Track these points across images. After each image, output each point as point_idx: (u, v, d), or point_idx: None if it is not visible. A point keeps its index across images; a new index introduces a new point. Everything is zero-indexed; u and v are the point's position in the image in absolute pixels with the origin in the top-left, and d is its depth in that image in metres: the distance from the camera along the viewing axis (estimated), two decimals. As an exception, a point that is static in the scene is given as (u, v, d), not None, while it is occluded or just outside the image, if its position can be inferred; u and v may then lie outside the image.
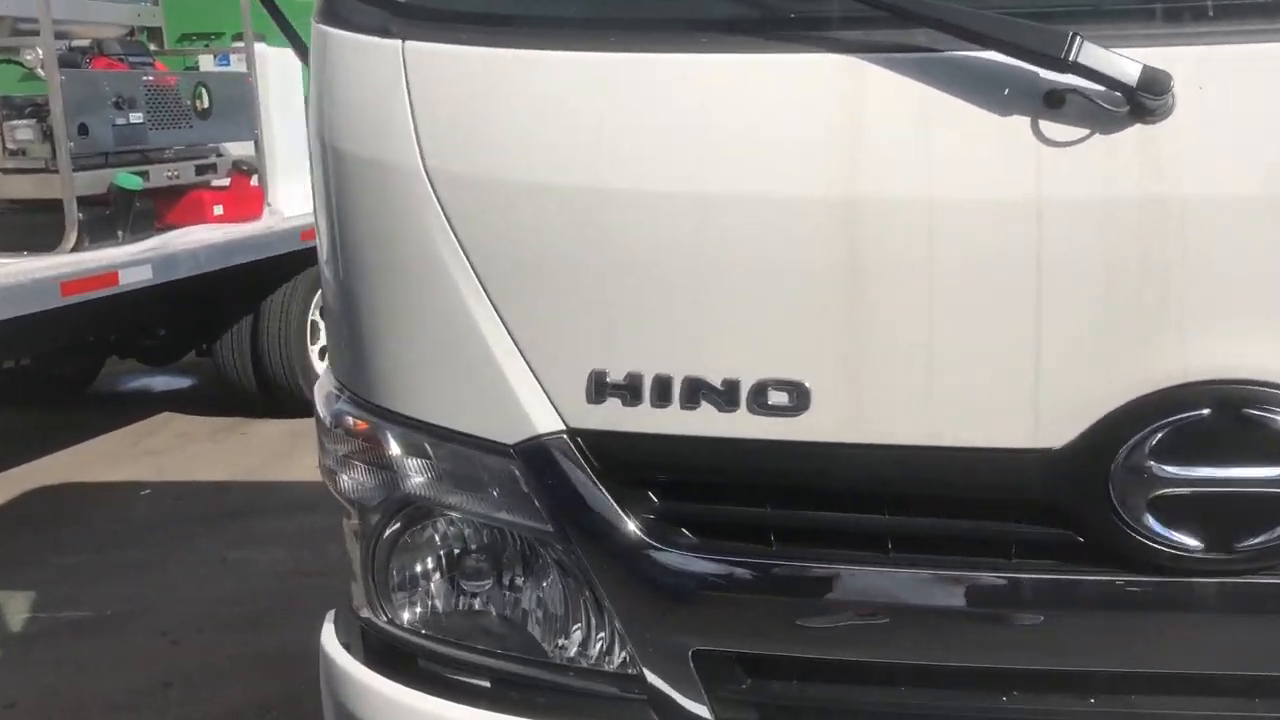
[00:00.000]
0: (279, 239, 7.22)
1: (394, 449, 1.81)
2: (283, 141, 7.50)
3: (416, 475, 1.80)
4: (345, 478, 1.88)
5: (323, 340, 7.98)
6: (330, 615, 2.03)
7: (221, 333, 7.52)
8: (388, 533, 1.85)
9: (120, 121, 6.47)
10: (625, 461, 1.68)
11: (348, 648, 1.93)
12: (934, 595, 1.63)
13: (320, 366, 7.87)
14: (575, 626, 1.79)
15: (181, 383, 8.84)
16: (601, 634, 1.76)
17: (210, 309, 7.42)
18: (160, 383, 8.93)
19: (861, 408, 1.58)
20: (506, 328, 1.68)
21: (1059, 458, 1.54)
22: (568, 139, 1.62)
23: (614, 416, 1.66)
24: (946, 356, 1.54)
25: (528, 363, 1.68)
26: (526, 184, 1.65)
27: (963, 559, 1.62)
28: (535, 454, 1.71)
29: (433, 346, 1.75)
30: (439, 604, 1.87)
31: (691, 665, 1.70)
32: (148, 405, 8.26)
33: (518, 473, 1.72)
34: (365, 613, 1.91)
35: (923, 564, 1.62)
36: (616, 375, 1.64)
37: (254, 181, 7.33)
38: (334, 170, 1.82)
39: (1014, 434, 1.55)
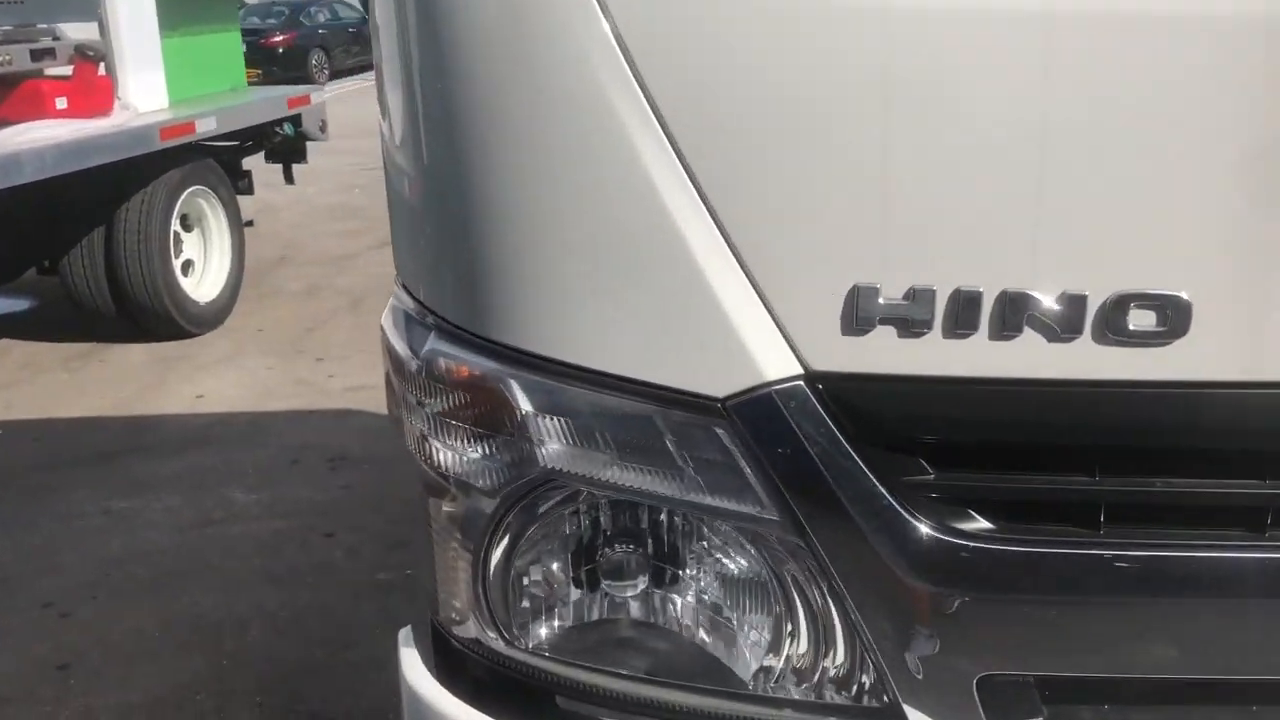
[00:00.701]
0: (135, 138, 6.28)
1: (525, 406, 1.25)
2: (131, 23, 6.51)
3: (559, 443, 1.25)
4: (442, 447, 1.31)
5: (187, 254, 7.13)
6: (404, 635, 1.47)
7: (69, 247, 6.55)
8: (511, 525, 1.30)
9: (-66, -3, 5.44)
10: (893, 418, 1.17)
11: (447, 683, 1.37)
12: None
13: (187, 284, 7.01)
14: (789, 644, 1.28)
15: (19, 304, 7.79)
16: (831, 653, 1.26)
17: (55, 219, 6.45)
18: (-7, 305, 7.89)
19: (1264, 332, 1.10)
20: (718, 224, 1.13)
21: None
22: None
23: (883, 354, 1.14)
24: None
25: (749, 276, 1.14)
26: (757, 8, 1.08)
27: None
28: (756, 411, 1.17)
29: (594, 254, 1.18)
30: (586, 621, 1.33)
31: (975, 695, 1.22)
32: (-19, 331, 7.26)
33: (727, 438, 1.19)
34: (469, 632, 1.36)
35: (1313, 544, 1.17)
36: (893, 291, 1.12)
37: (101, 70, 6.35)
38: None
39: None
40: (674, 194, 1.13)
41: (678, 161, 1.13)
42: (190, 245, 7.21)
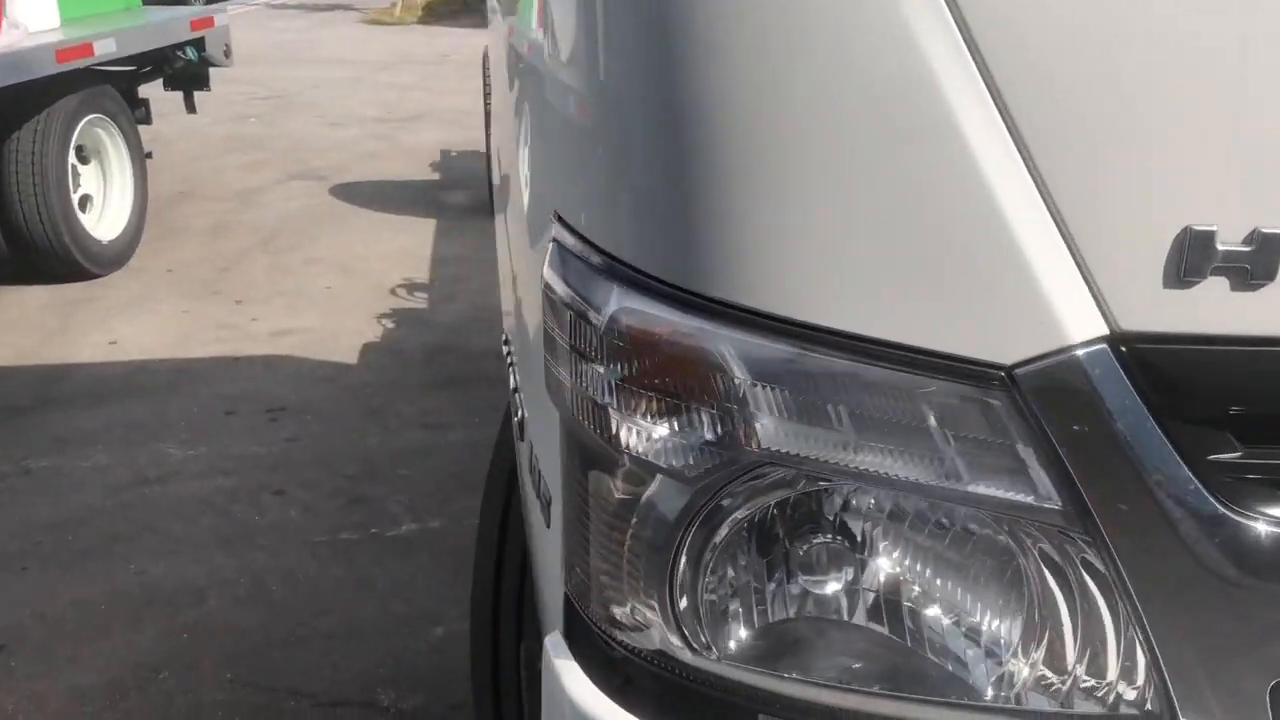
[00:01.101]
0: (28, 60, 5.73)
1: (743, 374, 1.03)
2: (17, -68, 5.92)
3: (782, 420, 1.03)
4: (627, 420, 1.08)
5: (85, 188, 6.60)
6: (554, 642, 1.24)
7: (-47, 181, 6.01)
8: (712, 516, 1.08)
9: None
10: (1209, 386, 0.98)
11: (624, 703, 1.15)
12: None
13: (86, 220, 6.49)
14: (1038, 648, 1.09)
15: (-106, 244, 7.15)
16: (1090, 656, 1.08)
17: (-64, 150, 5.89)
18: None
19: None
20: (1020, 147, 0.92)
21: None
22: None
23: (1208, 310, 0.95)
24: None
25: (1055, 213, 0.94)
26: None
27: None
28: (1050, 380, 0.97)
29: (846, 188, 0.96)
30: (790, 626, 1.13)
31: (1269, 703, 1.05)
32: None
33: (1006, 413, 0.99)
34: (649, 641, 1.14)
35: None
36: (1231, 235, 0.92)
37: (-14, -16, 5.77)
38: None
39: None
40: (962, 103, 0.92)
41: (971, 62, 0.91)
42: (88, 179, 6.69)
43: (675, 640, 1.13)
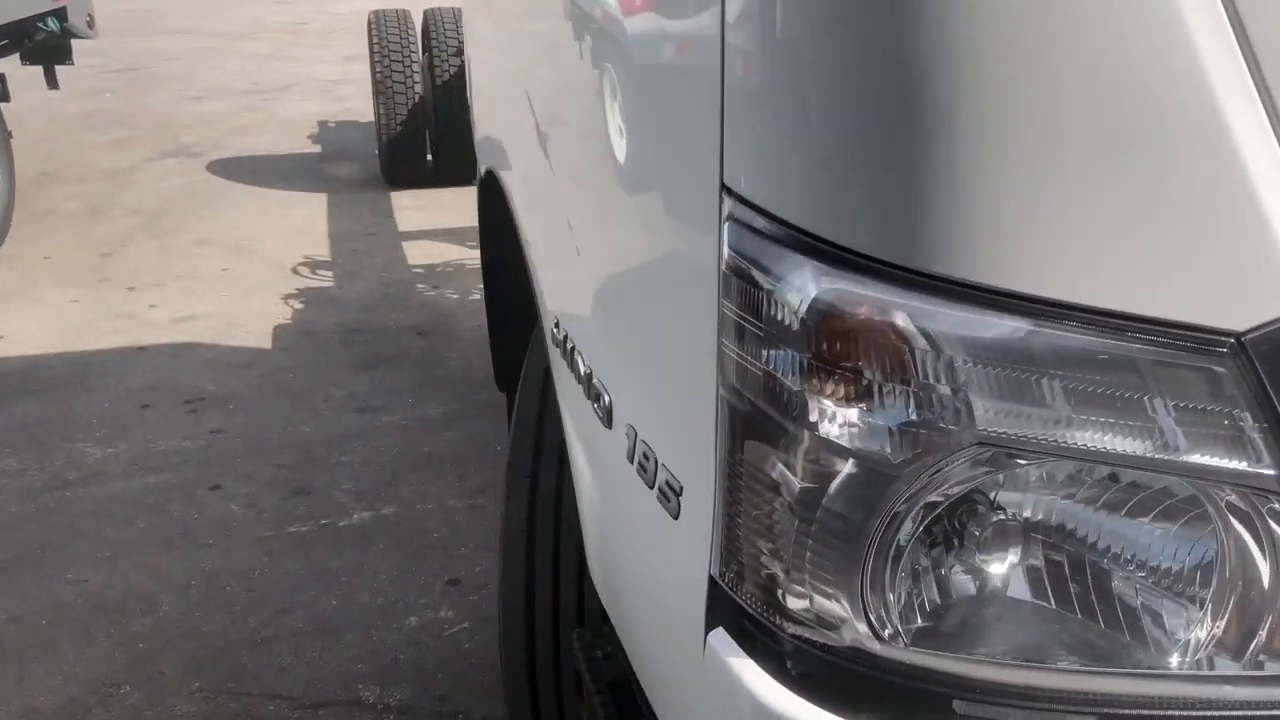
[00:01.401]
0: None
1: (959, 354, 0.99)
2: None
3: (996, 400, 1.00)
4: (820, 407, 1.03)
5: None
6: (720, 640, 1.18)
7: None
8: (914, 502, 1.04)
9: None
10: None
11: (820, 701, 1.11)
12: None
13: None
14: (1225, 615, 1.09)
15: None
16: (1271, 616, 1.08)
17: None
18: None
19: None
20: (1273, 117, 0.90)
21: None
22: None
23: None
24: None
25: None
26: None
27: None
28: (1277, 345, 0.96)
29: (1067, 136, 0.93)
30: (973, 607, 1.10)
31: None
32: None
33: (1231, 381, 0.97)
34: (838, 634, 1.10)
35: None
36: None
37: None
38: None
39: None
40: (1217, 73, 0.89)
41: (1230, 28, 0.88)
42: (-52, 162, 6.24)
43: (863, 630, 1.09)
